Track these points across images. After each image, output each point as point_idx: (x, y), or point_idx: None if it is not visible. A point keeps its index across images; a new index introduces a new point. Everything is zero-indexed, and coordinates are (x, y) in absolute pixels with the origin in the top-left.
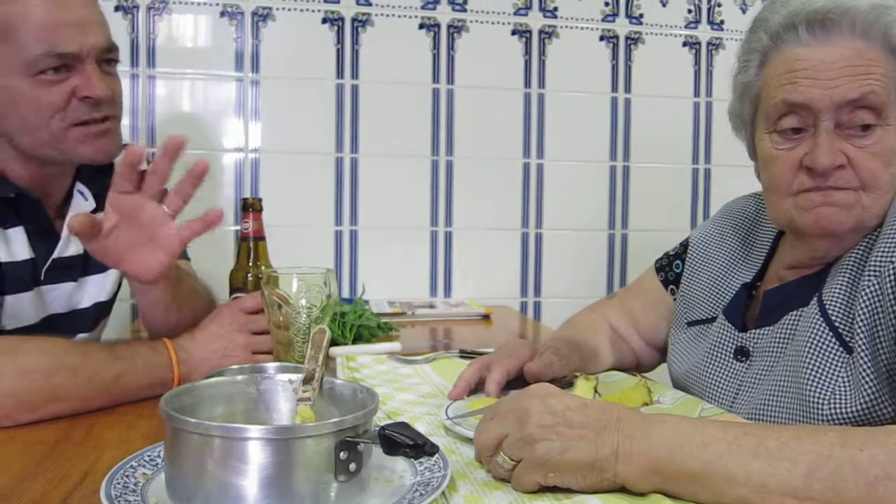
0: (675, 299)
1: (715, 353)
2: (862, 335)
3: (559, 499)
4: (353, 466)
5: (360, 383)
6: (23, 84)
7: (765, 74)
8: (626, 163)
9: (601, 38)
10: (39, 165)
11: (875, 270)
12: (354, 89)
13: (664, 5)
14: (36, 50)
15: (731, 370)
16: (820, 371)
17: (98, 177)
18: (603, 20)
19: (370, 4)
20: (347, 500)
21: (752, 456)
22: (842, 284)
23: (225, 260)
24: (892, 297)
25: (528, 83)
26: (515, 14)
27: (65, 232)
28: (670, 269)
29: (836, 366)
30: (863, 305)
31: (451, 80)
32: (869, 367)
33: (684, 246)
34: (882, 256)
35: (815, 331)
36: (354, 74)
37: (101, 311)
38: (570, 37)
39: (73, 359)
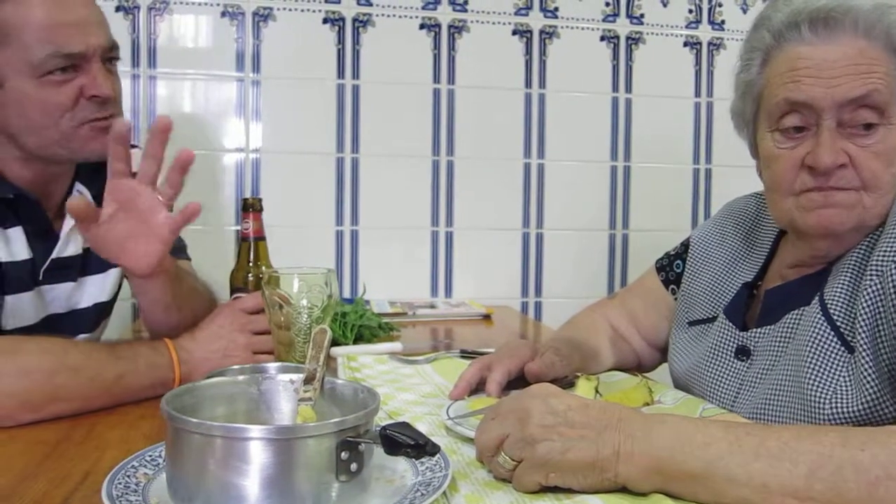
0: (675, 299)
1: (716, 353)
2: (863, 335)
3: (560, 499)
4: (354, 466)
5: (361, 383)
6: (29, 86)
7: (767, 73)
8: (627, 163)
9: (602, 38)
10: (42, 165)
11: (877, 270)
12: (355, 89)
13: (665, 5)
14: (42, 51)
15: (732, 369)
16: (821, 370)
17: (97, 177)
18: (604, 20)
19: (371, 5)
20: (349, 500)
21: (754, 456)
22: (843, 284)
23: (225, 260)
24: (894, 296)
25: (528, 83)
26: (516, 14)
27: (64, 232)
28: (671, 268)
29: (838, 365)
30: (864, 305)
31: (451, 80)
32: (870, 367)
33: (685, 246)
34: (884, 256)
35: (816, 330)
36: (355, 74)
37: (102, 311)
38: (571, 37)
39: (74, 359)
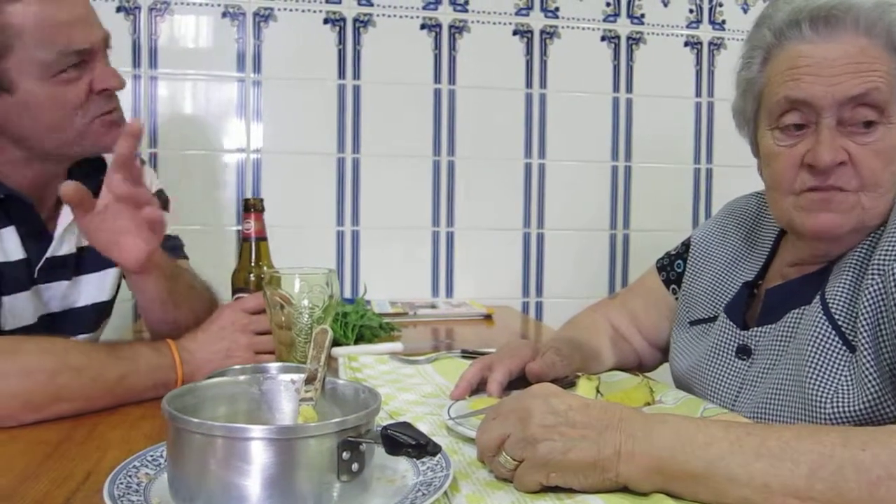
0: (676, 299)
1: (717, 352)
2: (865, 334)
3: (561, 499)
4: (355, 466)
5: (362, 383)
6: (41, 87)
7: (768, 71)
8: (628, 163)
9: (602, 39)
10: (41, 167)
11: (879, 269)
12: (356, 90)
13: (665, 5)
14: (51, 51)
15: (733, 369)
16: (822, 369)
17: (91, 176)
18: (604, 20)
19: (371, 5)
20: (350, 499)
21: (755, 456)
22: (845, 283)
23: (226, 260)
24: (895, 295)
25: (529, 83)
26: (517, 14)
27: (58, 232)
28: (672, 268)
29: (839, 364)
30: (866, 304)
31: (452, 80)
32: (872, 366)
33: (686, 245)
34: (886, 255)
35: (817, 329)
36: (356, 75)
37: (101, 311)
38: (572, 37)
39: (76, 359)
